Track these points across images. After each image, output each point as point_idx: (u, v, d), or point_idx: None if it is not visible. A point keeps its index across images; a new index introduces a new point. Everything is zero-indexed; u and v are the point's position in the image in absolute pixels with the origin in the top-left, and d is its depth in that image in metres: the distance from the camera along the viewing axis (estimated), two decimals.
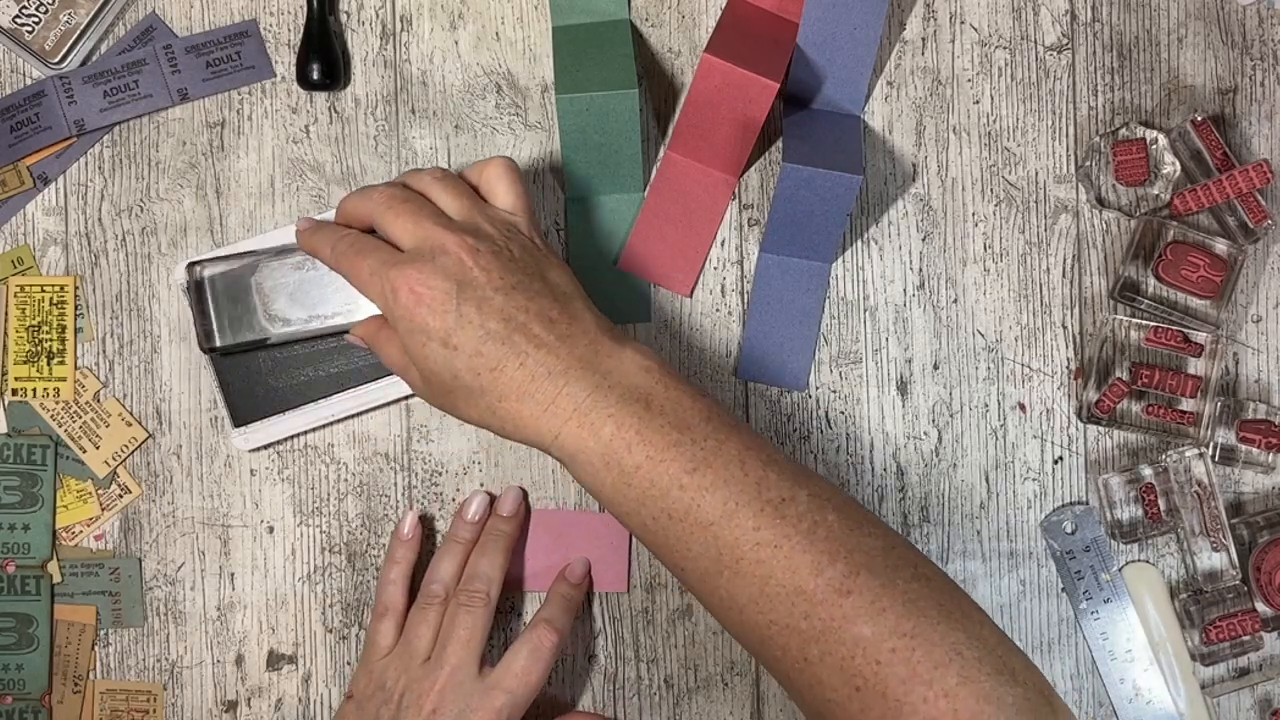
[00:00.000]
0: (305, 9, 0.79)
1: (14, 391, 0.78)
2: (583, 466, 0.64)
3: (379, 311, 0.70)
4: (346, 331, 0.73)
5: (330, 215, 0.78)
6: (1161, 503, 0.76)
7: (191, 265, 0.75)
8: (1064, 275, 0.79)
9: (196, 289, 0.75)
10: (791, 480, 0.63)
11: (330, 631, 0.79)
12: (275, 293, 0.74)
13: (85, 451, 0.78)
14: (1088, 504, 0.78)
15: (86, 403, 0.79)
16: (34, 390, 0.78)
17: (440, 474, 0.79)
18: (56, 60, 0.78)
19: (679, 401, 0.64)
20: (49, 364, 0.78)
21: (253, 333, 0.74)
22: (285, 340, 0.75)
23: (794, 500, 0.62)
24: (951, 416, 0.79)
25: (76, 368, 0.79)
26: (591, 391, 0.64)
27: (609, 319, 0.68)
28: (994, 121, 0.79)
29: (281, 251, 0.75)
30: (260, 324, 0.74)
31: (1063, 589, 0.78)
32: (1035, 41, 0.79)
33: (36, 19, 0.78)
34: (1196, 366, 0.77)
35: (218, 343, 0.74)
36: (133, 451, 0.79)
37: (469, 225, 0.67)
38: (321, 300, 0.74)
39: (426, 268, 0.64)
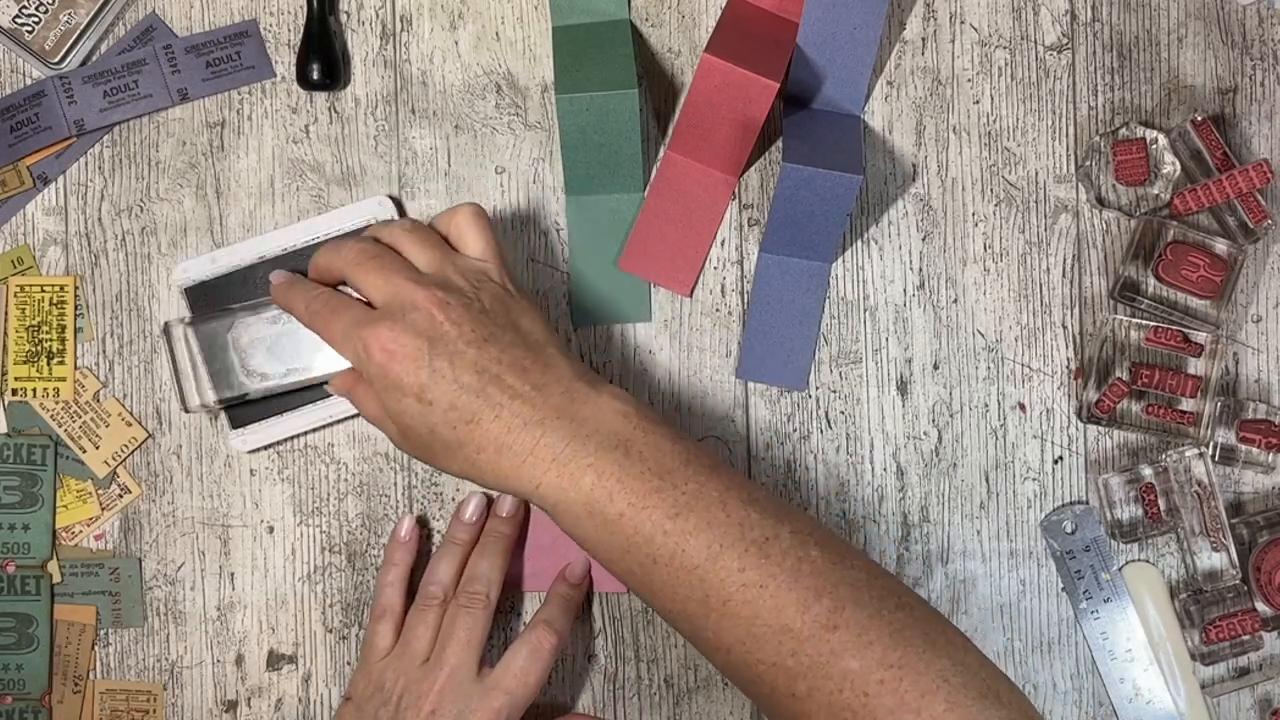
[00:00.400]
0: (305, 9, 0.79)
1: (14, 391, 0.78)
2: (564, 516, 0.64)
3: None
4: (325, 383, 0.72)
5: (328, 219, 0.78)
6: (1161, 503, 0.76)
7: (166, 325, 0.74)
8: (1064, 275, 0.79)
9: (172, 350, 0.74)
10: (774, 518, 0.63)
11: (330, 631, 0.79)
12: (252, 348, 0.74)
13: (85, 451, 0.78)
14: (1088, 504, 0.78)
15: (86, 403, 0.79)
16: (34, 390, 0.78)
17: (440, 474, 0.79)
18: (56, 60, 0.78)
19: (658, 446, 0.64)
20: (49, 364, 0.78)
21: (231, 390, 0.74)
22: (265, 395, 0.75)
23: (777, 539, 0.62)
24: (951, 416, 0.78)
25: (76, 368, 0.79)
26: (569, 441, 0.64)
27: (583, 364, 0.68)
28: (994, 121, 0.79)
29: (256, 305, 0.74)
30: (239, 380, 0.74)
31: (1063, 589, 0.78)
32: (1035, 41, 0.79)
33: (36, 19, 0.78)
34: (1196, 366, 0.77)
35: (195, 403, 0.74)
36: (133, 451, 0.79)
37: (438, 278, 0.67)
38: (298, 353, 0.73)
39: (397, 325, 0.64)
